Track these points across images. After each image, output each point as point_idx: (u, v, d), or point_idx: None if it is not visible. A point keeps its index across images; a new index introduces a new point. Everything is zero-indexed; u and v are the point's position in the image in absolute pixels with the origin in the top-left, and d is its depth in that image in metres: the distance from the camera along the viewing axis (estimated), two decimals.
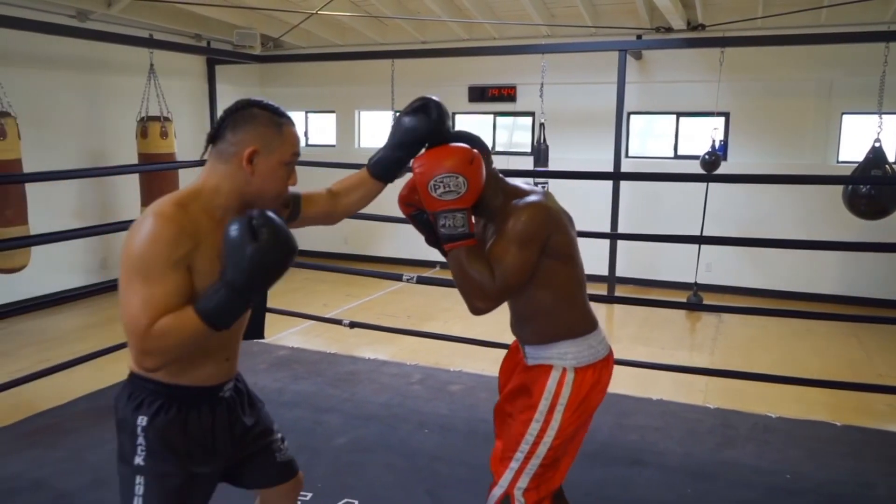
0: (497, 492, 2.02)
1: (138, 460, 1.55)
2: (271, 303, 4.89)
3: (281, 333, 5.39)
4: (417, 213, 2.05)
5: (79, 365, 3.86)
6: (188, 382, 1.59)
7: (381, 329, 4.36)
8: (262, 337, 4.18)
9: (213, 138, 1.56)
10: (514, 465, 2.00)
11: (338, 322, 4.30)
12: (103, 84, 6.84)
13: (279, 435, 1.89)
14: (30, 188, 5.20)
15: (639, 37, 7.04)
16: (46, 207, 5.79)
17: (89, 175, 6.64)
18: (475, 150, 1.89)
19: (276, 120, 1.57)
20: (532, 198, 1.94)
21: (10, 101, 4.98)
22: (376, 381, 4.24)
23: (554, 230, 1.93)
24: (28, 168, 5.18)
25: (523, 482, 2.00)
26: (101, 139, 6.81)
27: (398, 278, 3.99)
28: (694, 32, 6.85)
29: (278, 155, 1.56)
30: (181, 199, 1.51)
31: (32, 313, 5.98)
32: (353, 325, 4.19)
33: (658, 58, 7.30)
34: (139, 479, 1.56)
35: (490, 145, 8.10)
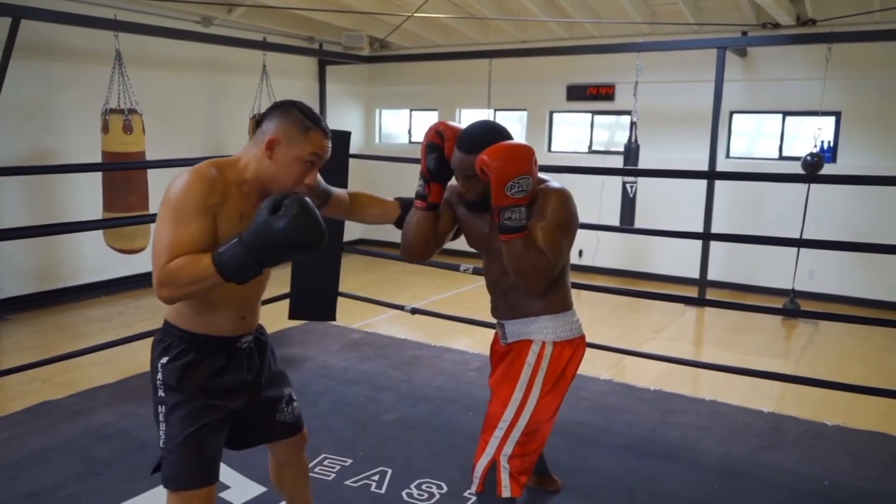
0: (484, 459, 2.18)
1: (160, 392, 1.83)
2: (363, 291, 5.23)
3: (369, 319, 5.71)
4: (435, 146, 2.19)
5: None
6: (205, 331, 1.84)
7: (441, 317, 4.55)
8: (334, 318, 4.50)
9: (258, 124, 1.82)
10: (498, 433, 2.16)
11: (401, 308, 4.54)
12: (221, 84, 7.46)
13: (288, 395, 2.10)
14: (152, 179, 5.78)
15: (744, 33, 6.82)
16: None
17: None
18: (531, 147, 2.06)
19: (306, 123, 1.77)
20: (556, 184, 2.12)
21: (138, 99, 5.59)
22: (436, 366, 4.46)
23: (577, 214, 2.12)
24: (153, 159, 5.77)
25: (508, 449, 2.16)
26: (217, 134, 7.44)
27: (456, 268, 4.17)
28: (803, 28, 6.55)
29: (297, 151, 1.75)
30: (220, 163, 1.76)
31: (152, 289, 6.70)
32: (414, 311, 4.43)
33: (764, 55, 7.03)
34: (161, 408, 1.83)
35: (587, 144, 8.13)
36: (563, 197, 2.09)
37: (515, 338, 2.23)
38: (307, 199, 1.63)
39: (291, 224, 1.57)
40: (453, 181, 2.25)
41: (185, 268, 1.61)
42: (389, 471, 3.08)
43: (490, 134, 2.08)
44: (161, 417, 1.83)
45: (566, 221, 2.07)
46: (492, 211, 2.07)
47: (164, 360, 1.83)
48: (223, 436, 1.91)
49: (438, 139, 2.18)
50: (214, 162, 1.76)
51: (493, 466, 2.17)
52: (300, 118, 1.77)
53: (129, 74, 5.45)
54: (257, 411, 2.03)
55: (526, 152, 2.02)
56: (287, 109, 1.78)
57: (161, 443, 1.83)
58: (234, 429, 2.00)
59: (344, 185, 4.44)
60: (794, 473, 3.14)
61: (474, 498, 2.81)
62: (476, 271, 4.08)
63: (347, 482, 2.98)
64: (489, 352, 2.50)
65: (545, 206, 2.06)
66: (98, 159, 5.50)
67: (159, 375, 1.83)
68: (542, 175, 2.16)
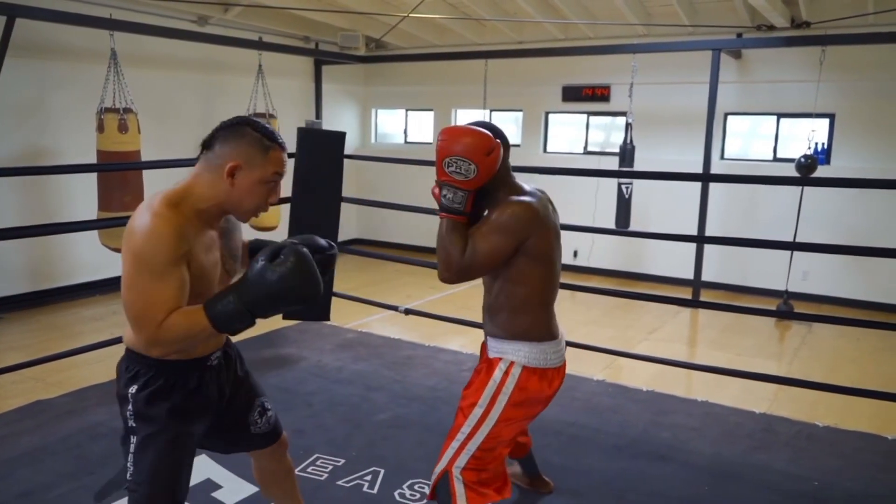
0: (438, 468, 2.22)
1: (130, 422, 1.74)
2: (357, 291, 5.24)
3: (363, 319, 5.72)
4: None
5: None
6: (178, 357, 1.75)
7: (435, 317, 4.57)
8: (328, 319, 4.50)
9: (205, 146, 1.70)
10: (454, 444, 2.19)
11: (395, 308, 4.55)
12: (217, 83, 7.46)
13: (260, 406, 2.03)
14: (147, 178, 5.76)
15: (739, 35, 6.84)
16: None
17: (194, 164, 7.21)
18: (497, 142, 2.04)
19: (265, 143, 1.68)
20: (524, 197, 2.09)
21: (133, 99, 5.57)
22: (429, 366, 4.47)
23: (535, 232, 2.07)
24: (148, 159, 5.77)
25: (461, 461, 2.17)
26: None
27: None
28: (798, 30, 6.58)
29: (259, 173, 1.68)
30: (173, 199, 1.63)
31: None
32: (408, 311, 4.44)
33: (759, 57, 7.05)
34: (132, 439, 1.74)
35: (583, 145, 8.14)
36: (518, 206, 2.06)
37: (493, 354, 2.23)
38: (304, 249, 1.59)
39: (287, 277, 1.54)
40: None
41: (181, 326, 1.57)
42: (382, 471, 3.09)
43: (480, 126, 2.09)
44: (131, 449, 1.75)
45: (504, 227, 2.03)
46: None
47: (133, 389, 1.73)
48: (192, 461, 1.85)
49: None
50: (168, 200, 1.62)
51: (444, 476, 2.19)
52: (258, 138, 1.68)
53: (125, 73, 5.44)
54: (231, 427, 1.98)
55: (477, 140, 2.00)
56: (241, 130, 1.68)
57: (129, 475, 1.74)
58: (212, 441, 1.98)
59: (339, 186, 4.45)
60: (784, 474, 3.16)
61: None
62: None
63: (340, 482, 2.98)
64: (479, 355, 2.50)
65: (498, 210, 2.06)
66: (93, 158, 5.49)
67: (129, 406, 1.74)
68: (529, 189, 2.16)
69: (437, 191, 2.13)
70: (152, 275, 1.55)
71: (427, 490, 2.89)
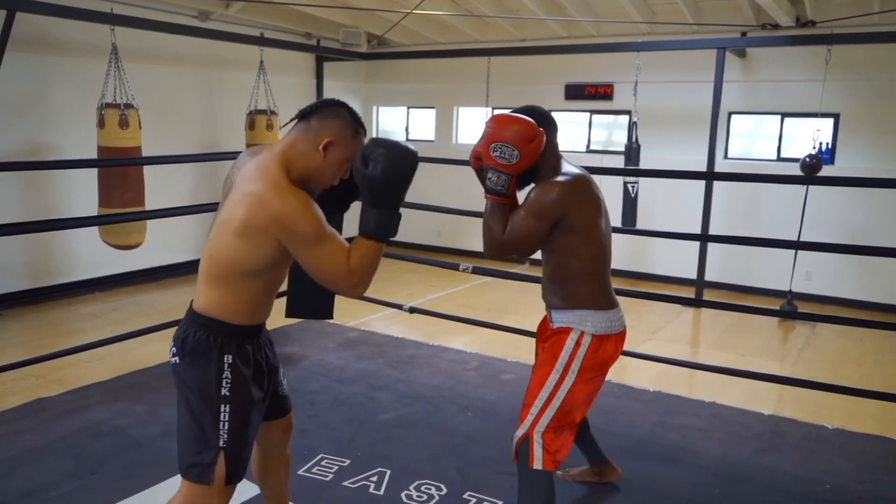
0: (520, 432, 2.35)
1: (224, 391, 1.80)
2: None
3: (366, 318, 5.68)
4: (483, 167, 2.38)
5: (169, 331, 4.29)
6: (252, 322, 1.87)
7: (440, 316, 4.53)
8: (331, 317, 4.45)
9: (303, 117, 1.82)
10: (533, 410, 2.33)
11: (398, 306, 4.51)
12: (218, 79, 7.41)
13: (280, 370, 2.14)
14: (148, 174, 5.72)
15: (743, 34, 6.81)
16: (163, 192, 6.29)
17: (197, 160, 7.11)
18: (541, 130, 2.24)
19: (355, 126, 1.84)
20: (560, 178, 2.28)
21: (135, 94, 5.52)
22: (433, 366, 4.43)
23: (572, 207, 2.24)
24: (148, 155, 5.72)
25: (542, 425, 2.32)
26: (214, 130, 7.39)
27: (455, 267, 4.14)
28: (803, 29, 6.55)
29: (346, 152, 1.82)
30: (284, 167, 1.76)
31: (146, 285, 6.66)
32: (412, 310, 4.40)
33: (763, 56, 7.02)
34: (225, 407, 1.81)
35: (585, 144, 8.11)
36: (553, 186, 2.24)
37: (558, 324, 2.38)
38: (377, 138, 1.76)
39: (389, 160, 1.71)
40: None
41: (363, 259, 1.74)
42: (388, 471, 3.05)
43: (529, 112, 2.32)
44: (224, 417, 1.81)
45: (539, 209, 2.23)
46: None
47: (230, 357, 1.81)
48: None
49: None
50: (283, 168, 1.75)
51: (526, 439, 2.33)
52: (350, 121, 1.83)
53: (126, 69, 5.39)
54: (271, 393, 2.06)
55: (522, 128, 2.20)
56: (338, 111, 1.82)
57: (221, 442, 1.81)
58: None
59: None
60: (795, 476, 3.13)
61: (475, 499, 2.81)
62: (475, 270, 4.05)
63: (346, 483, 2.94)
64: (536, 332, 2.61)
65: (533, 192, 2.27)
66: (94, 154, 5.44)
67: (226, 373, 1.81)
68: (570, 167, 2.34)
69: (477, 161, 2.38)
70: (319, 236, 1.70)
71: (434, 491, 2.88)
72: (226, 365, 1.81)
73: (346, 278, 1.73)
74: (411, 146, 1.78)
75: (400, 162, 1.73)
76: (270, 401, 2.04)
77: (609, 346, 2.35)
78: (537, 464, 2.29)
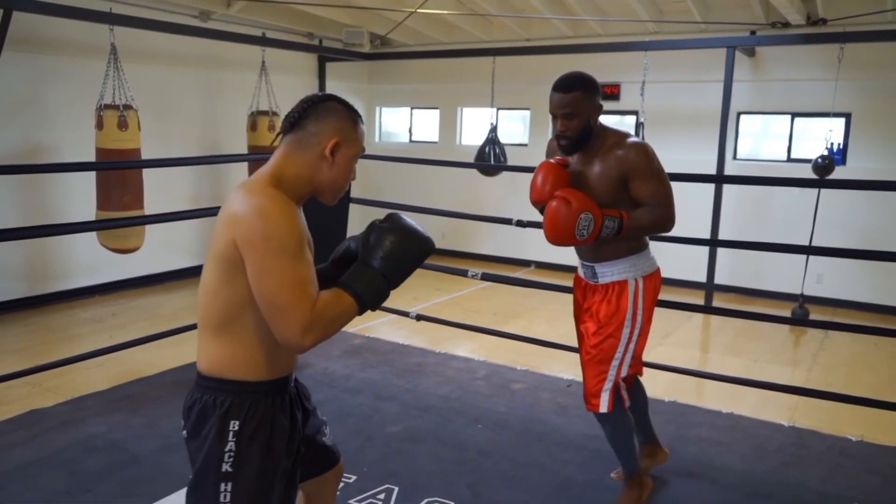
0: (607, 385, 2.54)
1: (226, 467, 1.51)
2: None
3: (368, 323, 5.56)
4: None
5: (170, 338, 4.17)
6: (271, 376, 1.57)
7: (446, 323, 4.41)
8: None
9: (292, 126, 1.56)
10: (615, 363, 2.54)
11: (405, 314, 4.39)
12: (219, 80, 7.29)
13: (324, 418, 1.89)
14: (147, 176, 5.60)
15: (753, 32, 6.69)
16: (163, 194, 6.15)
17: (198, 163, 7.01)
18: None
19: (353, 116, 1.60)
20: (636, 138, 2.51)
21: (134, 95, 5.40)
22: (441, 374, 4.31)
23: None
24: (148, 157, 5.60)
25: (624, 372, 2.58)
26: (215, 131, 7.27)
27: (464, 273, 4.02)
28: (814, 27, 6.42)
29: (353, 149, 1.60)
30: (271, 181, 1.51)
31: (147, 290, 6.55)
32: (419, 317, 4.27)
33: (773, 55, 6.90)
34: (224, 486, 1.51)
35: None
36: (648, 148, 2.47)
37: (610, 278, 2.55)
38: (396, 212, 1.63)
39: (409, 237, 1.55)
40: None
41: (332, 304, 1.45)
42: (396, 488, 2.93)
43: (577, 79, 2.44)
44: (224, 499, 1.52)
45: (658, 167, 2.46)
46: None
47: (235, 423, 1.51)
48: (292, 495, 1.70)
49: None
50: (268, 181, 1.50)
51: (617, 389, 2.56)
52: (347, 113, 1.59)
53: (125, 69, 5.28)
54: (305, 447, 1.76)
55: (566, 210, 2.38)
56: (331, 105, 1.58)
57: None
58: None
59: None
60: (821, 493, 3.00)
61: None
62: (484, 277, 3.92)
63: (352, 501, 2.82)
64: (573, 286, 2.82)
65: (639, 157, 2.44)
66: (92, 156, 5.33)
67: (230, 445, 1.51)
68: (620, 130, 2.53)
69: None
70: (292, 256, 1.42)
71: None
72: (230, 434, 1.51)
73: (300, 316, 1.40)
74: (429, 237, 1.60)
75: (420, 237, 1.57)
76: (314, 454, 1.79)
77: (656, 280, 2.61)
78: (626, 405, 2.63)
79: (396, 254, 1.52)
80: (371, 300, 1.49)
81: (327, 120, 1.55)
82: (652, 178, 2.43)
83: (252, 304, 1.48)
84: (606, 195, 2.45)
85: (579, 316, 2.74)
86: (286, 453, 1.61)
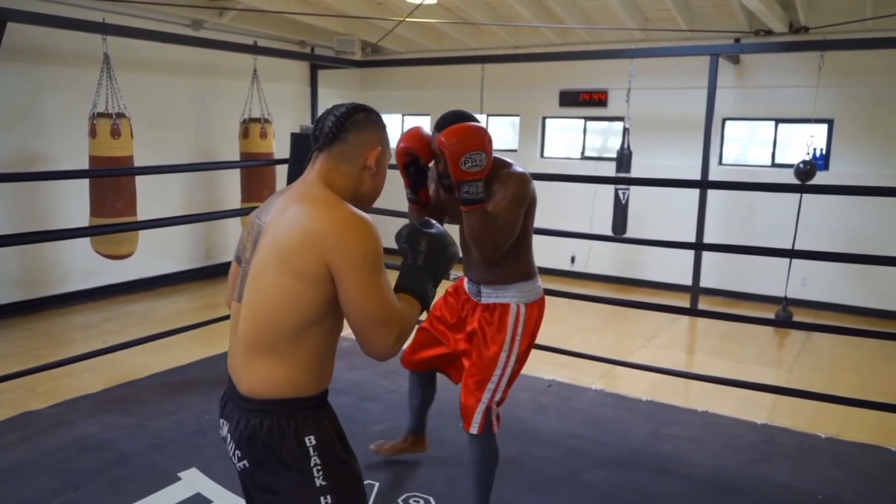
0: (481, 407, 2.56)
1: (319, 482, 1.49)
2: None
3: None
4: (411, 162, 2.52)
5: (160, 342, 4.26)
6: (324, 387, 1.57)
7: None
8: None
9: (333, 138, 1.56)
10: (491, 385, 2.56)
11: None
12: (211, 88, 7.39)
13: None
14: (140, 184, 5.69)
15: (737, 40, 6.81)
16: (156, 201, 6.25)
17: (190, 170, 7.11)
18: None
19: (383, 123, 1.64)
20: (519, 168, 2.48)
21: (127, 104, 5.50)
22: None
23: (533, 194, 2.48)
24: (141, 164, 5.67)
25: (498, 396, 2.59)
26: (207, 139, 7.36)
27: (445, 277, 4.11)
28: (796, 35, 6.54)
29: (388, 154, 1.65)
30: (331, 190, 1.54)
31: (139, 295, 6.63)
32: None
33: (756, 62, 7.03)
34: (325, 500, 1.50)
35: (580, 150, 8.10)
36: (521, 178, 2.43)
37: (492, 300, 2.59)
38: (426, 219, 1.71)
39: (443, 241, 1.64)
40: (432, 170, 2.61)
41: (409, 313, 1.53)
42: (376, 484, 3.02)
43: (459, 117, 2.41)
44: None
45: (522, 197, 2.41)
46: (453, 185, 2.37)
47: (311, 439, 1.49)
48: None
49: (409, 157, 2.51)
50: (329, 188, 1.54)
51: (488, 412, 2.57)
52: (375, 118, 1.61)
53: (118, 78, 5.38)
54: None
55: (478, 132, 2.31)
56: (364, 115, 1.59)
57: None
58: None
59: None
60: (787, 487, 3.10)
61: None
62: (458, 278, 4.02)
63: None
64: (453, 289, 2.88)
65: (506, 184, 2.40)
66: (85, 164, 5.42)
67: (314, 460, 1.49)
68: (509, 160, 2.49)
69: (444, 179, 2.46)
70: (382, 269, 1.47)
71: (421, 503, 2.86)
72: (310, 450, 1.49)
73: (396, 329, 1.46)
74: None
75: (451, 243, 1.67)
76: None
77: (539, 310, 2.61)
78: (496, 429, 2.61)
79: (442, 259, 1.64)
80: (431, 304, 1.64)
81: (367, 131, 1.58)
82: (508, 200, 2.40)
83: (323, 320, 1.48)
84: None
85: (453, 321, 2.80)
86: (352, 453, 1.63)
